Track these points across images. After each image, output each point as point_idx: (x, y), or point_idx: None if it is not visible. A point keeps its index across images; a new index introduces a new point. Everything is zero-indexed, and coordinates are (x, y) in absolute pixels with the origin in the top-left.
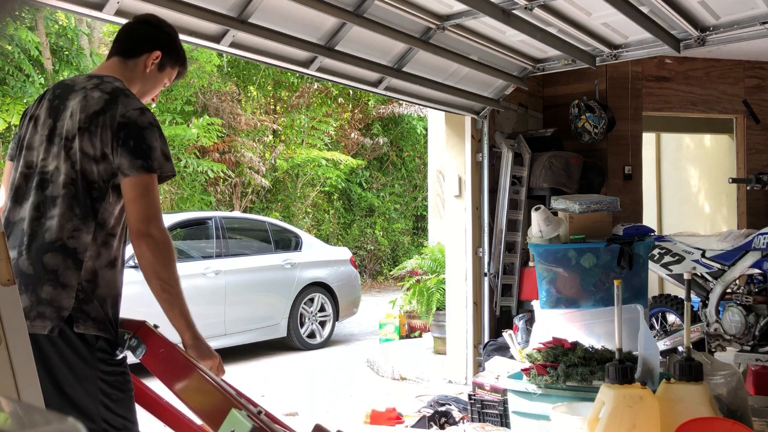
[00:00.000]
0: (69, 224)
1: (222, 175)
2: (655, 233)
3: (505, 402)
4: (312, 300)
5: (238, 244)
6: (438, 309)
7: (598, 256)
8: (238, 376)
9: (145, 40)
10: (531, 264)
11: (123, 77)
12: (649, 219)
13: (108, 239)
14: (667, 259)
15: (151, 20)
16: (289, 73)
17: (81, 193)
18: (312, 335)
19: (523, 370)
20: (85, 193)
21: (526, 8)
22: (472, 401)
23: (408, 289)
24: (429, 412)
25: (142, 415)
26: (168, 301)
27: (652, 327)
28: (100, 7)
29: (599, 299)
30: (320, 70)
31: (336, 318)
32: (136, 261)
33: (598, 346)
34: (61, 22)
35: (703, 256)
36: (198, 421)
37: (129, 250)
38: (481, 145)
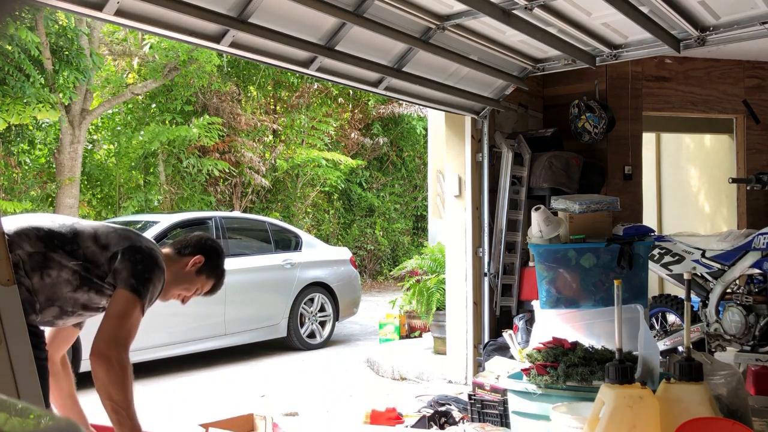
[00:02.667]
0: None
1: (224, 173)
2: (655, 233)
3: (505, 402)
4: (312, 300)
5: (238, 244)
6: (438, 309)
7: (598, 256)
8: (238, 376)
9: (194, 246)
10: (531, 264)
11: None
12: (649, 219)
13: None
14: (667, 259)
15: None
16: (289, 73)
17: None
18: (312, 335)
19: (523, 370)
20: None
21: (526, 8)
22: (472, 401)
23: (408, 289)
24: (429, 412)
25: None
26: (118, 422)
27: (652, 327)
28: (100, 7)
29: (599, 299)
30: (320, 70)
31: (336, 318)
32: None
33: (598, 346)
34: (61, 22)
35: (703, 256)
36: None
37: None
38: (481, 145)
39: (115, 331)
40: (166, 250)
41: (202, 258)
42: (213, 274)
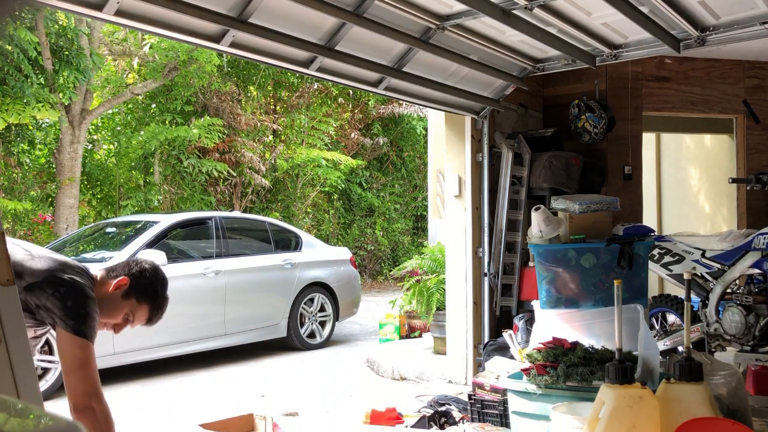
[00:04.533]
0: None
1: (224, 174)
2: (655, 233)
3: (505, 402)
4: (312, 300)
5: (238, 244)
6: (438, 309)
7: (598, 256)
8: (238, 376)
9: (121, 268)
10: (531, 264)
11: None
12: (649, 219)
13: None
14: (667, 259)
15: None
16: (289, 73)
17: None
18: (312, 335)
19: (523, 370)
20: None
21: (526, 8)
22: (472, 401)
23: (408, 289)
24: (429, 412)
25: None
26: None
27: (652, 327)
28: (100, 7)
29: (599, 299)
30: (320, 70)
31: (336, 318)
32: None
33: (598, 346)
34: (61, 22)
35: (703, 256)
36: None
37: (128, 250)
38: (481, 145)
39: (86, 383)
40: (100, 272)
41: (127, 280)
42: (144, 297)
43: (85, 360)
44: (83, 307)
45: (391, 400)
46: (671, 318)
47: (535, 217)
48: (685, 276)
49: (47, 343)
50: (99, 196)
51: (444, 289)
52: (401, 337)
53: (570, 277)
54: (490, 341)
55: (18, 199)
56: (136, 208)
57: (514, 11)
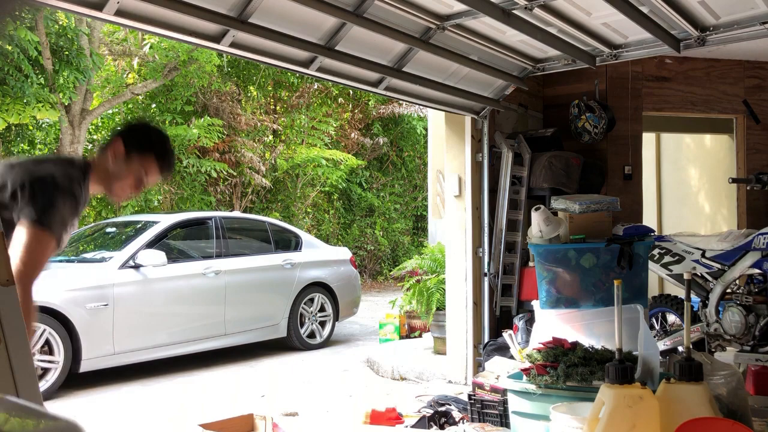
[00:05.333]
0: None
1: (223, 174)
2: (655, 233)
3: (505, 402)
4: (312, 300)
5: (238, 244)
6: (438, 309)
7: (598, 256)
8: (238, 376)
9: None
10: (531, 264)
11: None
12: (649, 219)
13: None
14: (667, 259)
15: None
16: (289, 73)
17: None
18: (312, 335)
19: (523, 370)
20: None
21: (526, 8)
22: (472, 401)
23: (408, 289)
24: (429, 412)
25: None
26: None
27: (652, 327)
28: (100, 7)
29: (599, 299)
30: (320, 70)
31: (336, 318)
32: (135, 262)
33: (598, 346)
34: (61, 22)
35: (703, 256)
36: None
37: (128, 250)
38: (481, 145)
39: (24, 265)
40: (93, 157)
41: (120, 140)
42: (144, 148)
43: (32, 245)
44: (48, 197)
45: (391, 400)
46: (671, 318)
47: (535, 217)
48: (685, 276)
49: (47, 343)
50: (99, 196)
51: (444, 289)
52: (401, 337)
53: (570, 277)
54: (490, 341)
55: None
56: (136, 208)
57: (514, 11)
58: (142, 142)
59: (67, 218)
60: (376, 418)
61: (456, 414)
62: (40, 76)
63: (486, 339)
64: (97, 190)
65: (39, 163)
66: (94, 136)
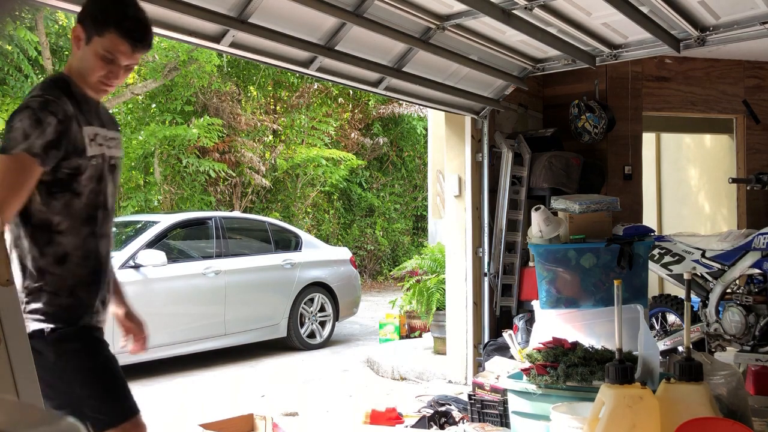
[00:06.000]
0: (13, 235)
1: (223, 174)
2: (655, 233)
3: (505, 402)
4: (312, 300)
5: (238, 244)
6: (438, 309)
7: (598, 256)
8: (238, 376)
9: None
10: (531, 264)
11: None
12: (649, 219)
13: (53, 237)
14: (667, 259)
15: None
16: (289, 73)
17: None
18: (312, 335)
19: (523, 370)
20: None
21: (526, 8)
22: (472, 401)
23: (408, 289)
24: (429, 412)
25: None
26: None
27: (652, 327)
28: None
29: (599, 299)
30: (320, 70)
31: (336, 318)
32: (135, 262)
33: (598, 346)
34: (61, 22)
35: (703, 256)
36: None
37: (128, 250)
38: (481, 145)
39: None
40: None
41: (77, 25)
42: (100, 23)
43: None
44: (11, 121)
45: (391, 400)
46: (671, 318)
47: (535, 217)
48: (685, 276)
49: None
50: None
51: (444, 289)
52: (401, 337)
53: (570, 277)
54: (490, 341)
55: None
56: (136, 208)
57: (514, 11)
58: (98, 15)
59: (32, 131)
60: (376, 418)
61: (456, 414)
62: (40, 76)
63: (486, 339)
64: (89, 91)
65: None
66: None
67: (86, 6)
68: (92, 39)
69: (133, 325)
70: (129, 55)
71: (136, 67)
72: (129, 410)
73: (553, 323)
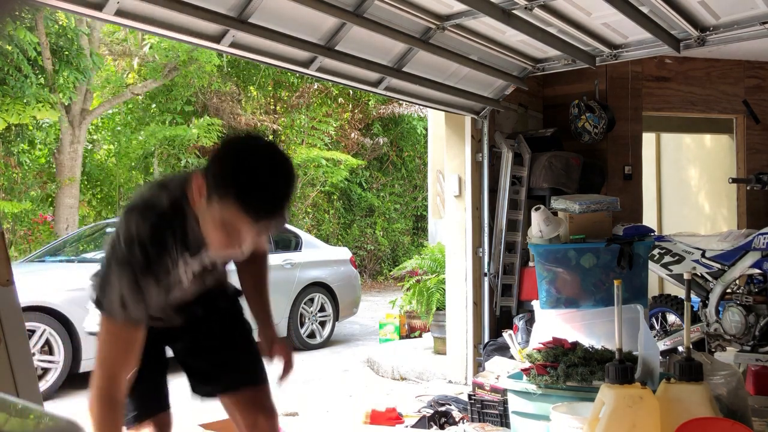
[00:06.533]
0: None
1: None
2: (655, 233)
3: (505, 402)
4: (312, 300)
5: None
6: (438, 309)
7: (598, 256)
8: None
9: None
10: (531, 264)
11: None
12: (649, 219)
13: None
14: (667, 259)
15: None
16: (289, 73)
17: None
18: (312, 335)
19: (523, 370)
20: None
21: (526, 8)
22: (472, 401)
23: (408, 289)
24: (429, 412)
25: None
26: None
27: (652, 327)
28: (100, 7)
29: (599, 299)
30: (320, 70)
31: (336, 318)
32: None
33: (598, 346)
34: (61, 22)
35: (703, 256)
36: None
37: None
38: (481, 145)
39: (95, 365)
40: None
41: (200, 175)
42: (220, 184)
43: (100, 338)
44: (104, 269)
45: (391, 400)
46: (671, 318)
47: (535, 217)
48: (685, 276)
49: (47, 343)
50: (99, 196)
51: (444, 289)
52: (401, 337)
53: (570, 277)
54: (490, 341)
55: (18, 199)
56: None
57: (514, 11)
58: (219, 175)
59: (129, 293)
60: (376, 418)
61: (456, 414)
62: (40, 77)
63: (486, 339)
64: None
65: (123, 223)
66: (94, 136)
67: (214, 155)
68: (212, 199)
69: (275, 348)
70: (253, 231)
71: (136, 67)
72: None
73: (553, 323)
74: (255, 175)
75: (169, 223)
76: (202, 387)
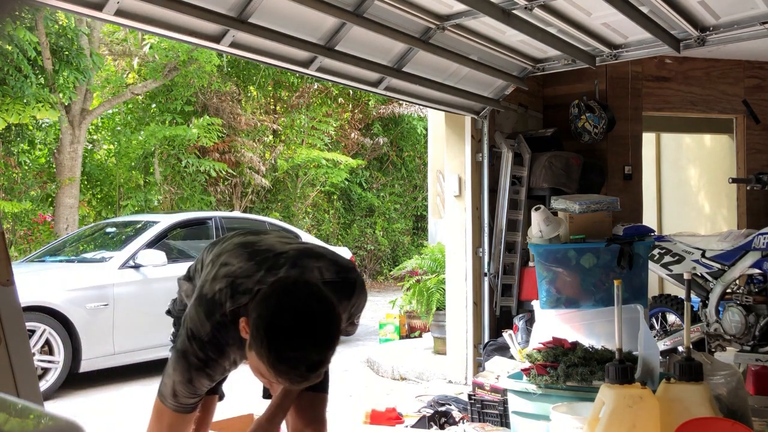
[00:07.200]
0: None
1: (223, 174)
2: (655, 233)
3: (505, 402)
4: None
5: None
6: (438, 309)
7: (598, 256)
8: (238, 376)
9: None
10: (531, 264)
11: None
12: (649, 219)
13: None
14: (667, 259)
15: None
16: (289, 73)
17: None
18: None
19: (523, 370)
20: None
21: (526, 8)
22: (472, 401)
23: (408, 289)
24: (429, 412)
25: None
26: None
27: (652, 327)
28: (100, 7)
29: (599, 299)
30: (320, 70)
31: None
32: (135, 262)
33: (598, 346)
34: (61, 22)
35: (703, 256)
36: None
37: (128, 250)
38: (481, 145)
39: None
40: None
41: (246, 320)
42: (258, 345)
43: (151, 419)
44: (170, 365)
45: (391, 400)
46: (671, 318)
47: (535, 217)
48: (685, 276)
49: (47, 343)
50: (99, 196)
51: (444, 289)
52: (401, 337)
53: (570, 277)
54: (490, 341)
55: (18, 199)
56: (136, 208)
57: (514, 11)
58: (256, 331)
59: (180, 386)
60: (376, 418)
61: (456, 414)
62: (40, 76)
63: (486, 339)
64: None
65: (209, 283)
66: (94, 136)
67: (260, 299)
68: (251, 346)
69: None
70: (277, 383)
71: (136, 67)
72: None
73: (553, 323)
74: (290, 346)
75: (227, 331)
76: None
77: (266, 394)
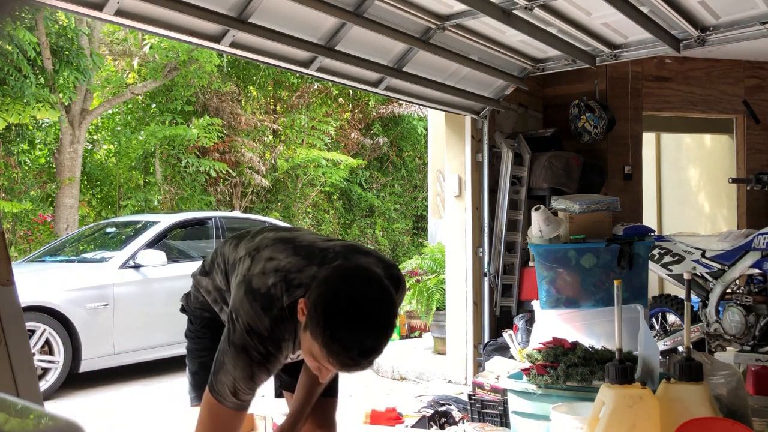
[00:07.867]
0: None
1: (223, 174)
2: (655, 233)
3: (505, 402)
4: None
5: None
6: (438, 309)
7: (598, 256)
8: None
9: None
10: (531, 264)
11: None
12: (649, 219)
13: None
14: (667, 259)
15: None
16: (289, 73)
17: None
18: None
19: (523, 370)
20: None
21: (526, 8)
22: (472, 401)
23: (408, 289)
24: (429, 412)
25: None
26: None
27: (652, 327)
28: (100, 7)
29: (599, 299)
30: (320, 70)
31: None
32: (135, 262)
33: (598, 346)
34: (61, 22)
35: (703, 256)
36: None
37: (128, 250)
38: (481, 145)
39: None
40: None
41: (304, 299)
42: (312, 323)
43: (202, 416)
44: (224, 354)
45: (391, 400)
46: (671, 318)
47: (535, 217)
48: (685, 276)
49: (47, 343)
50: (99, 196)
51: (444, 289)
52: (401, 337)
53: (570, 277)
54: (490, 341)
55: (18, 199)
56: (136, 208)
57: (514, 11)
58: (314, 313)
59: (242, 383)
60: (376, 418)
61: (456, 414)
62: (40, 77)
63: (486, 339)
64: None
65: (258, 277)
66: (94, 136)
67: (320, 281)
68: (307, 328)
69: None
70: (331, 368)
71: (136, 67)
72: None
73: (553, 323)
74: (347, 328)
75: (284, 326)
76: (283, 379)
77: (278, 394)
